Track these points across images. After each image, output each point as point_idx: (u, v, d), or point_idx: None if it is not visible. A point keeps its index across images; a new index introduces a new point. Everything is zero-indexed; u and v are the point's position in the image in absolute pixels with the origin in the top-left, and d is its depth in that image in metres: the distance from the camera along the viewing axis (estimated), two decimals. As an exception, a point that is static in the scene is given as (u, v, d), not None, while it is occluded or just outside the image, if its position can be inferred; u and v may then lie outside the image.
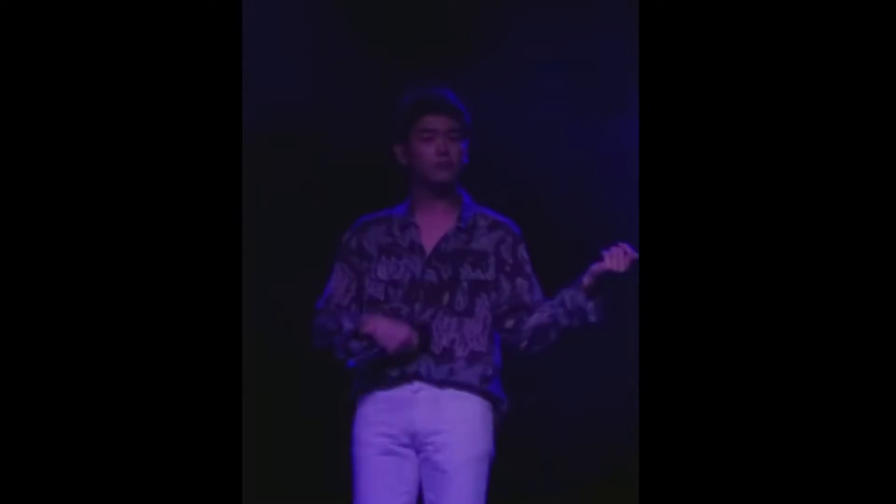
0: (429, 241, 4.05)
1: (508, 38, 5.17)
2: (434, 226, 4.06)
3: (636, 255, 3.83)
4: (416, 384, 3.96)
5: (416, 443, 3.96)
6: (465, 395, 3.97)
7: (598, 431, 4.97)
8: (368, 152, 4.91)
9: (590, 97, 5.09)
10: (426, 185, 4.06)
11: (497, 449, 4.01)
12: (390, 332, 3.94)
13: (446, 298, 3.98)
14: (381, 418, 3.97)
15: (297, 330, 4.96)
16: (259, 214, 4.82)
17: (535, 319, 4.01)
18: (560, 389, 5.15)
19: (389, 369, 3.97)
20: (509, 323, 4.03)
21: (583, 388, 5.10)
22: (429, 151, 4.02)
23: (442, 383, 3.96)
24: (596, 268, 3.92)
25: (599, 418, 5.00)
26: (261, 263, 4.92)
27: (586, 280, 3.94)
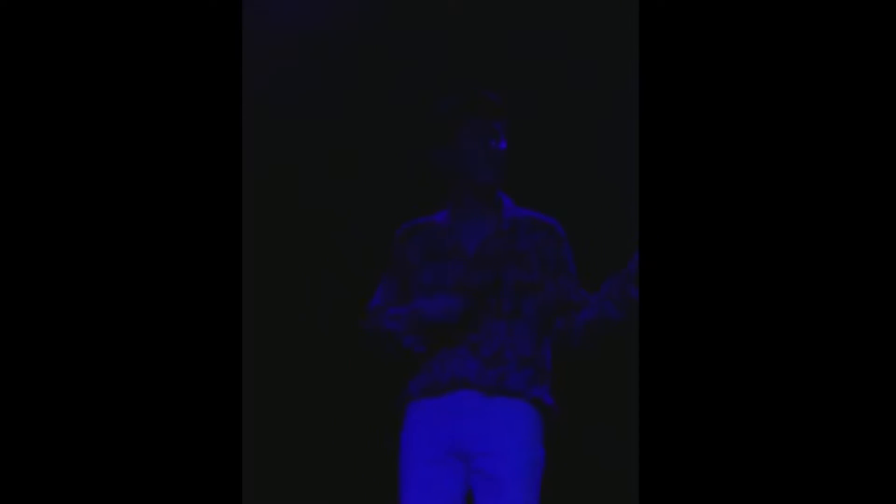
0: (471, 243, 4.05)
1: (509, 36, 5.19)
2: (476, 229, 4.05)
3: None
4: (465, 392, 3.97)
5: (464, 453, 3.95)
6: (514, 402, 3.97)
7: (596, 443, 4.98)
8: (373, 150, 4.92)
9: (590, 96, 5.10)
10: (470, 188, 4.05)
11: (547, 456, 4.01)
12: (444, 307, 3.92)
13: (492, 302, 3.98)
14: (427, 427, 3.97)
15: (300, 328, 4.97)
16: (261, 214, 4.83)
17: (584, 317, 3.99)
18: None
19: (438, 374, 3.97)
20: (560, 324, 4.03)
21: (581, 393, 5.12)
22: (479, 150, 4.03)
23: (491, 390, 3.95)
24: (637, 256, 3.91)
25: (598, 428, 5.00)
26: (261, 261, 4.93)
27: (633, 270, 3.92)
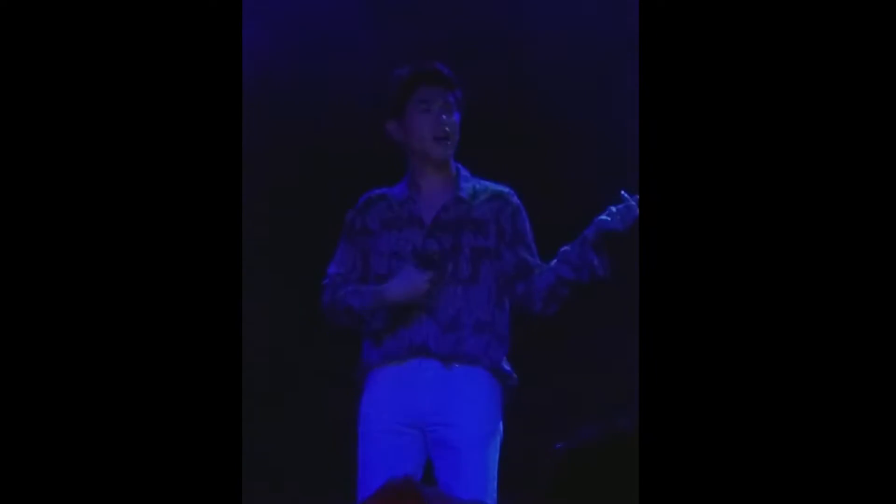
0: (428, 213, 4.05)
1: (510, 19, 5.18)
2: (433, 199, 4.06)
3: (637, 214, 3.85)
4: (424, 361, 3.96)
5: (423, 423, 3.95)
6: (472, 371, 3.96)
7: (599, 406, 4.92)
8: (368, 141, 4.92)
9: (590, 77, 5.09)
10: (423, 161, 4.06)
11: (506, 426, 4.01)
12: (409, 284, 3.93)
13: (450, 267, 3.99)
14: (387, 397, 3.96)
15: (297, 324, 4.96)
16: (258, 209, 4.82)
17: (544, 280, 4.00)
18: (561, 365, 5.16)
19: (396, 341, 3.97)
20: (520, 288, 4.03)
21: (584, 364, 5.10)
22: (426, 124, 4.01)
23: (449, 357, 3.95)
24: (601, 224, 3.93)
25: (601, 396, 4.97)
26: (260, 258, 4.92)
27: (591, 235, 3.94)
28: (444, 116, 4.00)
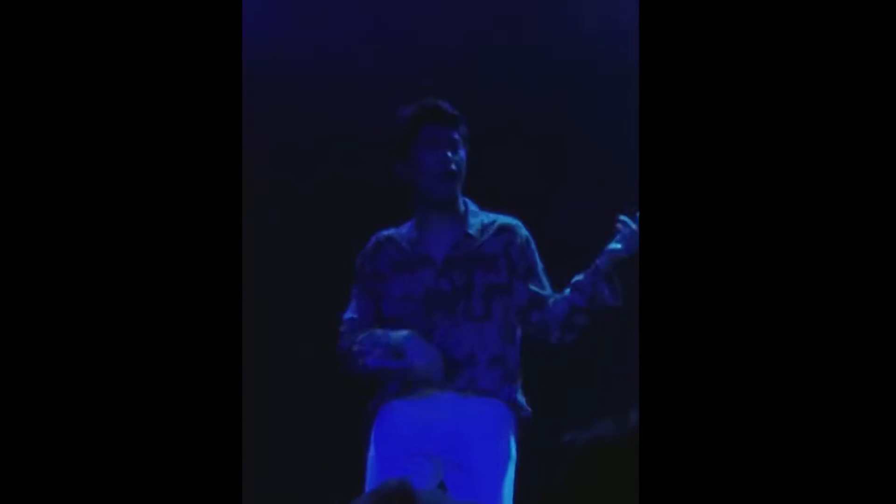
0: (439, 252, 4.04)
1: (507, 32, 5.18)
2: (442, 237, 4.05)
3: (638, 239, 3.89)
4: (439, 394, 3.96)
5: (437, 452, 3.95)
6: (487, 402, 3.97)
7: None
8: (370, 152, 4.92)
9: (590, 92, 5.10)
10: (430, 199, 4.05)
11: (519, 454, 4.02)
12: (422, 352, 3.92)
13: (462, 305, 3.98)
14: (401, 429, 3.96)
15: (297, 331, 4.95)
16: (259, 213, 4.83)
17: (559, 309, 4.02)
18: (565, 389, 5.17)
19: (404, 382, 3.96)
20: (534, 317, 4.04)
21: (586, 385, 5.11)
22: (432, 163, 4.01)
23: (464, 391, 3.95)
24: (612, 254, 3.94)
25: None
26: (260, 261, 4.92)
27: (602, 265, 3.96)
28: (449, 154, 4.00)
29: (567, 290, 4.04)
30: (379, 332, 4.00)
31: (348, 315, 4.11)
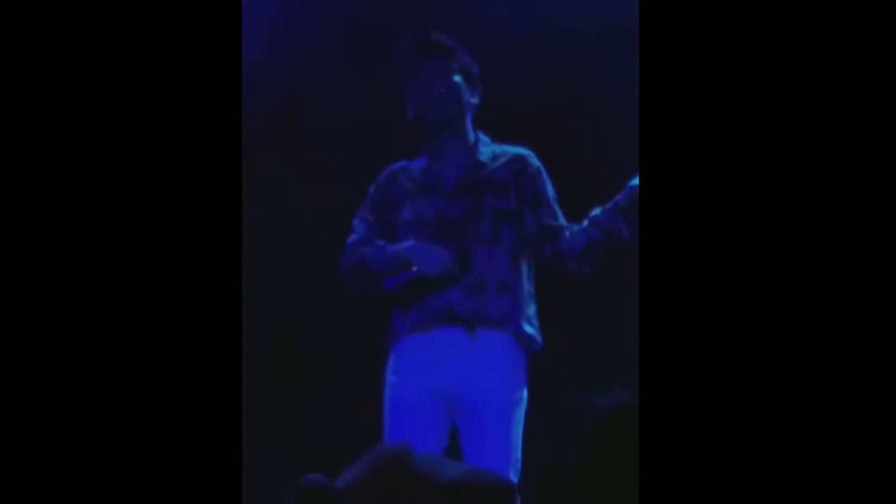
0: (448, 178, 4.07)
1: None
2: (452, 164, 4.09)
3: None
4: (448, 329, 3.97)
5: (448, 392, 3.97)
6: (496, 337, 3.98)
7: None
8: (371, 137, 4.93)
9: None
10: (431, 127, 4.09)
11: (530, 391, 4.04)
12: (429, 256, 3.95)
13: (472, 229, 4.01)
14: (413, 366, 3.99)
15: (297, 322, 4.95)
16: (259, 209, 4.83)
17: (575, 241, 4.04)
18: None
19: (421, 308, 3.98)
20: (548, 250, 4.06)
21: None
22: (421, 90, 4.07)
23: (473, 321, 3.96)
24: (633, 189, 3.97)
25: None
26: (260, 255, 4.92)
27: (622, 201, 3.98)
28: (437, 81, 4.04)
29: (585, 222, 4.06)
30: (380, 244, 4.03)
31: (353, 238, 4.13)
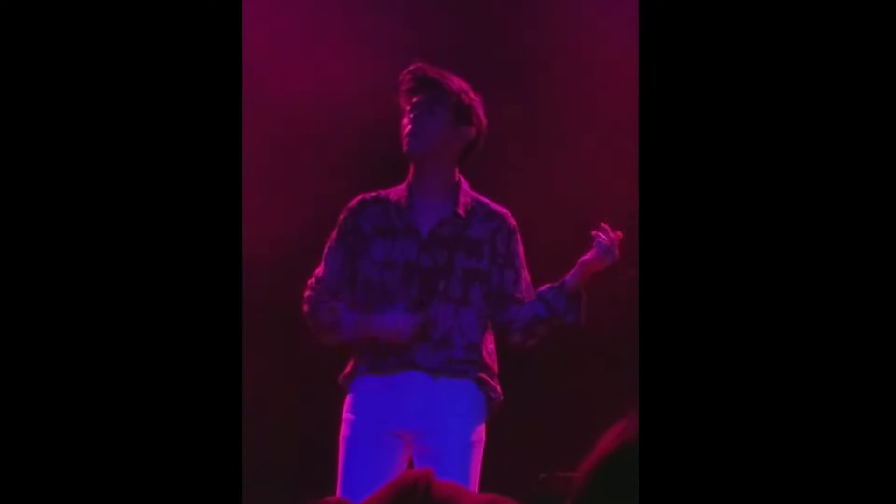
0: (425, 225, 4.05)
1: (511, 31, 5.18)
2: (430, 209, 4.05)
3: (619, 235, 3.89)
4: (411, 373, 3.98)
5: (407, 432, 3.97)
6: (458, 382, 3.99)
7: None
8: (369, 142, 4.92)
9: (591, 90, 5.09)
10: (414, 163, 4.06)
11: (488, 436, 4.04)
12: (394, 329, 3.95)
13: (442, 285, 3.99)
14: (373, 404, 3.98)
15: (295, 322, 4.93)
16: (258, 207, 4.83)
17: (523, 314, 4.04)
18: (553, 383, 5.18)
19: (385, 357, 3.98)
20: (500, 317, 4.05)
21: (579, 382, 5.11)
22: (405, 126, 4.04)
23: (437, 371, 3.97)
24: (584, 267, 3.96)
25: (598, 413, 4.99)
26: (260, 255, 4.92)
27: (569, 282, 3.99)
28: (412, 115, 4.03)
29: (533, 299, 4.07)
30: (352, 318, 4.02)
31: (319, 273, 4.11)
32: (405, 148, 4.03)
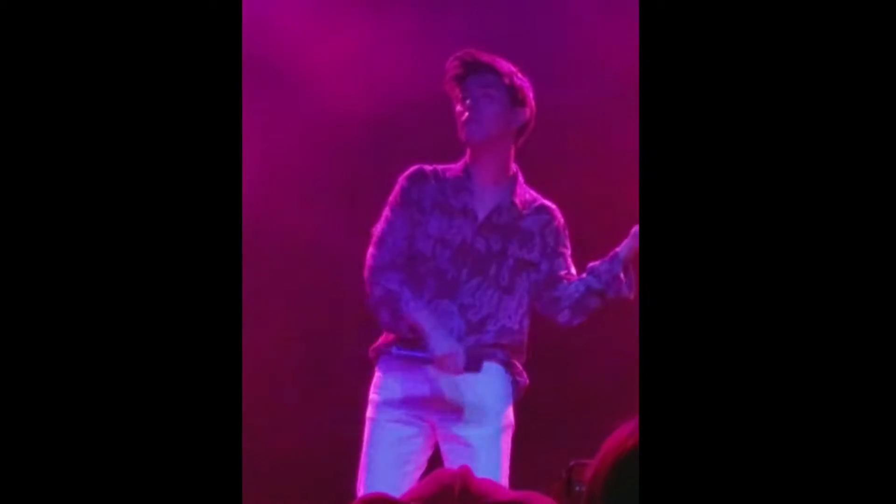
0: (482, 209, 4.08)
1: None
2: (487, 194, 4.10)
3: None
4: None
5: (433, 416, 3.97)
6: (488, 366, 4.00)
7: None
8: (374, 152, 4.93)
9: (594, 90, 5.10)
10: (471, 148, 4.09)
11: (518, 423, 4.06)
12: (446, 356, 3.94)
13: (493, 270, 4.02)
14: (399, 386, 3.99)
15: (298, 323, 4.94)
16: (259, 214, 4.83)
17: (573, 290, 4.06)
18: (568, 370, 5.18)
19: (418, 343, 3.99)
20: (546, 296, 4.07)
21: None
22: (460, 113, 4.06)
23: (467, 353, 3.98)
24: (632, 243, 3.99)
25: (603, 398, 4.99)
26: (260, 254, 4.92)
27: (622, 253, 4.01)
28: (468, 101, 4.04)
29: (584, 274, 4.09)
30: (417, 305, 3.99)
31: (381, 248, 4.10)
32: (464, 135, 4.08)
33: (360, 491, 3.88)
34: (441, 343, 3.95)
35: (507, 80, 4.08)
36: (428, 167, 4.14)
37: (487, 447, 3.98)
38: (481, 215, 4.08)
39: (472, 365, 3.96)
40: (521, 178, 4.15)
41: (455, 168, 4.12)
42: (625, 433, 2.12)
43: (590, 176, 5.13)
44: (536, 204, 4.15)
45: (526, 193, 4.16)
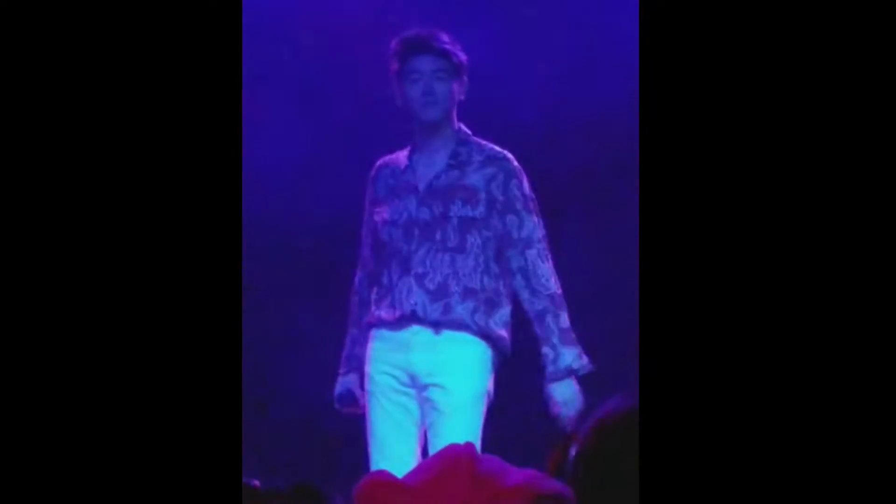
0: (423, 180, 4.12)
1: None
2: (429, 164, 4.16)
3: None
4: (416, 327, 4.03)
5: (416, 384, 4.05)
6: (461, 336, 4.06)
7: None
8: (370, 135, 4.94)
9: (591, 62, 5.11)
10: (419, 125, 4.14)
11: (498, 388, 4.10)
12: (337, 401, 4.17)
13: (438, 235, 4.07)
14: (385, 357, 4.09)
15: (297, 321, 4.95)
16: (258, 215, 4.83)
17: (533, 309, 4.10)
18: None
19: (389, 309, 4.08)
20: (514, 263, 4.11)
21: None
22: (415, 92, 4.08)
23: (438, 324, 4.04)
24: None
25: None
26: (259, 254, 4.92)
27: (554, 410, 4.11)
28: (432, 84, 4.08)
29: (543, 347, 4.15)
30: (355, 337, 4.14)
31: (358, 269, 4.24)
32: (424, 116, 4.13)
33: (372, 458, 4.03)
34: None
35: (454, 59, 4.13)
36: (386, 158, 4.25)
37: (457, 415, 4.05)
38: (422, 186, 4.14)
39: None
40: (463, 135, 4.18)
41: (408, 148, 4.22)
42: (621, 408, 2.12)
43: (590, 176, 5.12)
44: (483, 156, 4.19)
45: (470, 148, 4.19)
